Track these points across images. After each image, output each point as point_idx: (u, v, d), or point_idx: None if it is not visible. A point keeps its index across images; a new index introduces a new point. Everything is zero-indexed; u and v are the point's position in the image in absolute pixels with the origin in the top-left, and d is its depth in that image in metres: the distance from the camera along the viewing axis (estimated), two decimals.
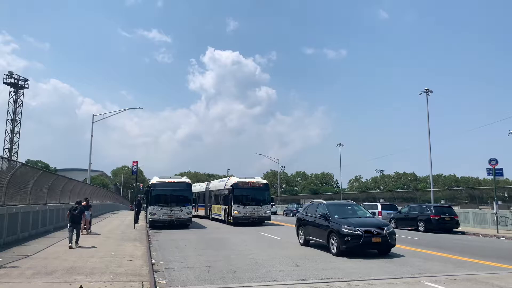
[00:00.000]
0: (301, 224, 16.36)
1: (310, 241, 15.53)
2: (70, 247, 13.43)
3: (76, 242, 14.07)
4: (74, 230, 14.01)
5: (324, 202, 15.57)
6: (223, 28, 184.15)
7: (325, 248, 14.08)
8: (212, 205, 32.92)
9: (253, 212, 26.49)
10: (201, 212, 36.39)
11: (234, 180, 27.61)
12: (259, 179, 28.56)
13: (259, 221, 26.93)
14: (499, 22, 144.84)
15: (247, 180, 27.67)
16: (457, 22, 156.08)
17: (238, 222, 26.19)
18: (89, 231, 19.19)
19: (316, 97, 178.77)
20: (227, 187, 28.28)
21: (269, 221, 28.22)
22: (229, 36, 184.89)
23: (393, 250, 13.89)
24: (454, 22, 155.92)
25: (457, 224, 24.59)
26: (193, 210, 35.80)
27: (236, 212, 26.29)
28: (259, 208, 26.76)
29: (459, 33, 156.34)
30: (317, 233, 14.64)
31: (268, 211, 27.51)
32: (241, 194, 26.99)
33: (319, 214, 14.77)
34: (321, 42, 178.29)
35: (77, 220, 14.27)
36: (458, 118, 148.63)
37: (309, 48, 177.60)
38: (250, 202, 26.70)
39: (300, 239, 16.18)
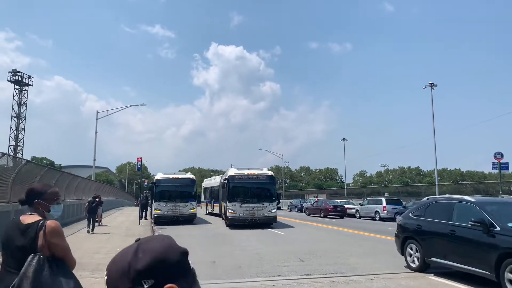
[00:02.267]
0: (412, 235, 9.97)
1: (438, 264, 9.22)
2: (88, 232, 17.25)
3: (92, 230, 17.47)
4: (91, 219, 17.67)
5: (472, 199, 9.10)
6: (227, 23, 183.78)
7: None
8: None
9: (253, 211, 21.00)
10: (217, 209, 30.76)
11: (231, 172, 22.74)
12: (262, 171, 23.11)
13: (261, 223, 21.32)
14: (508, 13, 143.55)
15: (246, 172, 22.27)
16: (464, 14, 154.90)
17: (234, 223, 21.12)
18: (100, 223, 21.02)
19: (321, 92, 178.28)
20: (223, 180, 23.99)
21: (274, 222, 22.07)
22: (233, 31, 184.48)
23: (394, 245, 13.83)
24: (461, 14, 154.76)
25: None
26: (209, 207, 35.00)
27: (231, 211, 21.05)
28: (260, 207, 21.18)
29: (465, 26, 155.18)
30: (462, 254, 8.42)
31: (273, 210, 21.67)
32: (238, 189, 21.77)
33: (470, 221, 8.08)
34: (326, 36, 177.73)
35: (93, 211, 18.16)
36: (463, 112, 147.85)
37: (313, 42, 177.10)
38: (249, 199, 21.33)
39: (412, 260, 9.89)
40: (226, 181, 22.07)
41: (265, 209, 21.22)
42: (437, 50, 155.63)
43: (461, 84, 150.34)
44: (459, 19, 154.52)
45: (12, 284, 2.58)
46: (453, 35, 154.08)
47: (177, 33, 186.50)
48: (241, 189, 21.91)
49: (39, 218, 2.87)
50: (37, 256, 2.65)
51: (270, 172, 22.99)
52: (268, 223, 21.55)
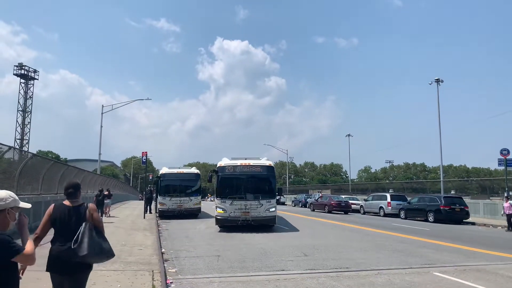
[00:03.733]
0: None
1: None
2: None
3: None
4: (99, 211, 17.27)
5: None
6: (232, 17, 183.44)
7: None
8: None
9: (246, 210, 16.99)
10: None
11: (221, 162, 18.51)
12: (258, 160, 18.78)
13: (256, 225, 17.16)
14: None
15: (239, 162, 18.11)
16: (472, 9, 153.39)
17: (224, 225, 17.45)
18: (108, 215, 22.46)
19: (326, 87, 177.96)
20: (210, 173, 20.44)
21: (273, 224, 17.86)
22: (239, 25, 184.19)
23: (401, 241, 13.86)
24: (469, 9, 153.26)
25: (467, 214, 24.44)
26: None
27: (219, 210, 17.25)
28: (256, 205, 17.12)
29: (473, 21, 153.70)
30: None
31: (272, 209, 17.33)
32: (228, 182, 17.76)
33: None
34: (332, 31, 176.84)
35: (100, 203, 19.78)
36: (469, 108, 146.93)
37: (320, 37, 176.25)
38: (242, 195, 17.31)
39: None
40: (214, 173, 18.19)
41: (261, 208, 17.06)
42: (444, 45, 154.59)
43: (467, 79, 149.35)
44: (467, 13, 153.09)
45: (76, 239, 4.02)
46: (460, 30, 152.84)
47: (182, 27, 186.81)
48: (232, 183, 17.65)
49: (82, 202, 4.40)
50: (88, 223, 4.16)
51: (268, 162, 18.36)
52: (265, 225, 17.42)
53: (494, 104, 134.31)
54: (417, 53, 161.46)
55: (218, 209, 17.29)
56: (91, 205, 4.40)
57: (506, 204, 20.52)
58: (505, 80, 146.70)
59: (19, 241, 2.79)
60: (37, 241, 4.11)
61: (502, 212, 20.71)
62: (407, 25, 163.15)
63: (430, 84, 38.90)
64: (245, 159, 18.55)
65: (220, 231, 17.02)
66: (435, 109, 37.97)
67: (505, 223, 22.56)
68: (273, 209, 17.39)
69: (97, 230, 4.19)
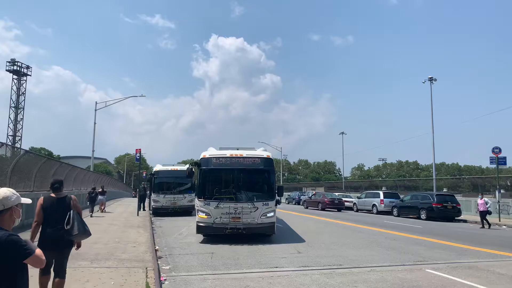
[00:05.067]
0: None
1: None
2: (91, 216, 20.24)
3: (92, 214, 20.84)
4: (92, 206, 21.58)
5: None
6: (228, 14, 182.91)
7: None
8: None
9: (237, 215, 12.99)
10: None
11: (205, 153, 14.19)
12: (254, 151, 14.62)
13: (249, 234, 13.13)
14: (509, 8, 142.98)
15: (228, 153, 13.94)
16: (467, 7, 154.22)
17: (208, 233, 13.54)
18: (103, 211, 23.83)
19: (321, 85, 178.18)
20: (189, 166, 16.59)
21: (271, 234, 13.70)
22: (234, 22, 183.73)
23: (394, 238, 13.97)
24: (463, 8, 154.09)
25: (459, 212, 24.67)
26: None
27: (202, 215, 13.19)
28: (249, 208, 13.07)
29: (468, 20, 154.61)
30: None
31: (269, 214, 13.27)
32: (213, 179, 13.99)
33: None
34: (328, 29, 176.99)
35: (93, 200, 22.08)
36: (462, 107, 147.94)
37: (315, 35, 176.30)
38: (231, 196, 13.38)
39: None
40: (196, 167, 14.24)
41: (256, 212, 13.01)
42: (439, 43, 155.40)
43: (460, 78, 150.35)
44: (462, 12, 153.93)
45: (66, 222, 5.34)
46: (454, 29, 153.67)
47: (177, 23, 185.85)
48: (219, 180, 13.92)
49: (65, 194, 5.77)
50: (73, 211, 5.49)
51: (266, 153, 14.20)
52: (261, 233, 13.49)
53: (487, 102, 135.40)
54: (412, 51, 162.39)
55: (199, 213, 13.16)
56: (73, 197, 5.81)
57: (480, 201, 20.72)
58: (498, 79, 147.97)
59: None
60: (37, 227, 5.49)
61: (477, 209, 20.95)
62: (403, 23, 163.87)
63: (423, 82, 39.08)
64: (237, 149, 14.35)
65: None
66: (429, 107, 38.22)
67: (497, 220, 22.85)
68: (272, 214, 13.18)
69: (79, 215, 5.59)
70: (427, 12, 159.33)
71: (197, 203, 13.42)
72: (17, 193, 2.84)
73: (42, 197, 5.63)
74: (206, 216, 13.03)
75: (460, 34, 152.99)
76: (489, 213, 20.51)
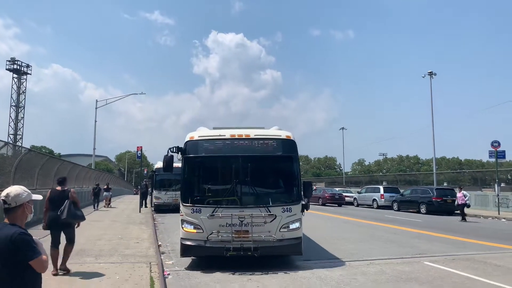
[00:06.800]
0: None
1: None
2: (95, 209, 22.60)
3: (97, 208, 23.25)
4: (96, 201, 23.87)
5: None
6: (228, 9, 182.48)
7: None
8: None
9: (243, 227, 8.40)
10: None
11: (193, 134, 9.49)
12: (266, 131, 10.10)
13: (259, 256, 8.37)
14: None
15: (228, 133, 9.25)
16: (469, 3, 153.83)
17: (198, 256, 9.19)
18: (109, 206, 26.03)
19: (322, 80, 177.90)
20: (171, 151, 9.54)
21: (297, 254, 8.95)
22: (234, 18, 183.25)
23: (393, 232, 14.14)
24: (466, 3, 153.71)
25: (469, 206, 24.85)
26: None
27: (189, 228, 8.62)
28: (263, 217, 8.46)
29: (468, 15, 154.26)
30: None
31: (293, 225, 8.64)
32: (203, 173, 9.63)
33: None
34: (328, 23, 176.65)
35: (97, 195, 23.97)
36: (462, 101, 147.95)
37: (315, 30, 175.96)
38: (234, 198, 8.72)
39: None
40: (178, 154, 9.30)
41: (272, 222, 8.49)
42: (439, 38, 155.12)
43: (461, 72, 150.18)
44: (462, 6, 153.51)
45: (60, 209, 7.34)
46: (455, 23, 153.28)
47: (177, 20, 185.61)
48: (213, 174, 9.66)
49: (66, 188, 7.78)
50: (69, 200, 7.45)
51: (285, 133, 9.48)
52: (280, 255, 9.09)
53: (487, 97, 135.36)
54: (413, 45, 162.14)
55: (185, 225, 8.64)
56: (72, 190, 7.86)
57: (459, 195, 20.85)
58: (498, 73, 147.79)
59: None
60: (46, 212, 7.66)
61: (456, 203, 21.09)
62: (403, 17, 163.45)
63: (423, 77, 39.17)
64: (240, 129, 9.86)
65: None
66: (429, 102, 38.33)
67: (496, 213, 23.03)
68: (297, 224, 8.72)
69: (75, 204, 7.64)
70: (428, 5, 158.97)
71: (182, 210, 8.76)
72: (28, 190, 2.97)
73: (50, 190, 7.89)
74: (195, 230, 8.49)
75: (462, 27, 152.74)
76: (467, 206, 20.76)
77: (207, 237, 8.41)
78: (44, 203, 7.61)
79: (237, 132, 9.29)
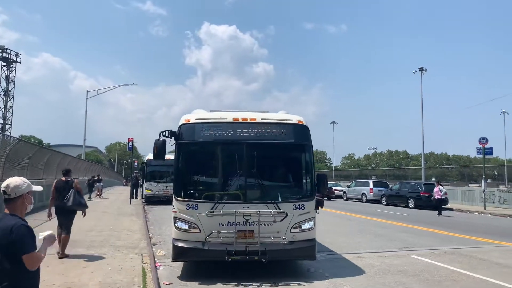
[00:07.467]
0: None
1: None
2: (89, 199, 22.08)
3: (90, 198, 23.61)
4: (90, 192, 25.47)
5: None
6: (221, 1, 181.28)
7: None
8: None
9: (248, 228, 7.20)
10: None
11: (189, 116, 7.96)
12: (274, 114, 8.54)
13: (267, 261, 7.11)
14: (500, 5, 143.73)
15: (228, 117, 7.87)
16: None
17: (195, 261, 8.04)
18: (101, 196, 26.98)
19: (314, 74, 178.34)
20: (162, 137, 7.74)
21: (310, 259, 7.89)
22: (227, 9, 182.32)
23: (382, 226, 14.35)
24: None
25: (446, 201, 25.22)
26: None
27: (182, 226, 7.33)
28: (271, 214, 7.19)
29: (459, 13, 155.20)
30: None
31: (306, 225, 7.45)
32: (201, 163, 8.31)
33: None
34: (321, 17, 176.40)
35: (91, 186, 26.26)
36: (451, 97, 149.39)
37: (309, 23, 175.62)
38: (237, 192, 7.57)
39: None
40: (172, 140, 7.76)
41: (283, 222, 7.29)
42: (430, 35, 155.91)
43: (450, 69, 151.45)
44: (454, 4, 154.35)
45: (67, 197, 8.26)
46: (449, 20, 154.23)
47: (169, 10, 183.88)
48: (213, 164, 8.31)
49: (71, 178, 8.77)
50: (74, 189, 8.39)
51: (297, 118, 8.23)
52: (290, 259, 8.28)
53: (476, 93, 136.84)
54: (405, 41, 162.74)
55: (179, 223, 7.41)
56: (76, 180, 8.84)
57: (435, 189, 21.18)
58: (487, 70, 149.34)
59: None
60: (52, 201, 8.57)
61: (433, 197, 21.41)
62: (396, 13, 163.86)
63: (414, 72, 39.54)
64: (244, 112, 8.46)
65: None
66: (419, 98, 38.72)
67: (482, 209, 23.45)
68: (310, 224, 7.59)
69: (79, 193, 8.45)
70: (422, 1, 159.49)
71: (175, 205, 7.51)
72: (28, 181, 3.00)
73: (56, 180, 8.89)
74: (191, 230, 7.29)
75: (454, 24, 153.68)
76: (444, 200, 21.18)
77: (205, 238, 7.15)
78: (51, 192, 8.63)
79: (241, 115, 7.92)
